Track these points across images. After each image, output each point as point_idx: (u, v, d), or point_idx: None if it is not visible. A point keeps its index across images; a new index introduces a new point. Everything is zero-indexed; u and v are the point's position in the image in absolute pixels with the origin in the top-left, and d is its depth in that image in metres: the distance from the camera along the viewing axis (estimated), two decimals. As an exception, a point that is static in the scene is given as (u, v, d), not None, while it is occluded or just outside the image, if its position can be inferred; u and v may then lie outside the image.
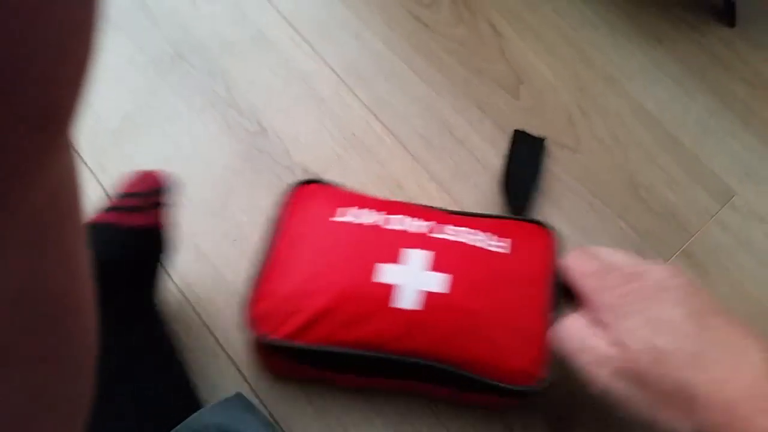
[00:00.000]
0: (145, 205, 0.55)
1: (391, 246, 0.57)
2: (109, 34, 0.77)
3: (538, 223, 0.63)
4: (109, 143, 0.71)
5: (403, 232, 0.58)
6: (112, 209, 0.55)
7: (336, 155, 0.74)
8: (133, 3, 0.80)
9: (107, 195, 0.68)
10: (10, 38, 0.16)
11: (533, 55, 0.83)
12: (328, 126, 0.75)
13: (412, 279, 0.55)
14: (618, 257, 0.54)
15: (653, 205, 0.75)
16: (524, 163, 0.74)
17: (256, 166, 0.72)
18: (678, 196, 0.76)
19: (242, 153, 0.73)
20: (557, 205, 0.73)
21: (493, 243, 0.59)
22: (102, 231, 0.53)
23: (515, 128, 0.75)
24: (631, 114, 0.80)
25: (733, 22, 0.87)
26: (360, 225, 0.58)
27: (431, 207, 0.63)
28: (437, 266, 0.56)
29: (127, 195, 0.55)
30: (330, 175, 0.72)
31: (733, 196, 0.76)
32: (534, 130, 0.76)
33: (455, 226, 0.60)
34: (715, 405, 0.43)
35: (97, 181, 0.69)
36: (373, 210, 0.60)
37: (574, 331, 0.51)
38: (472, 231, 0.59)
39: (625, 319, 0.48)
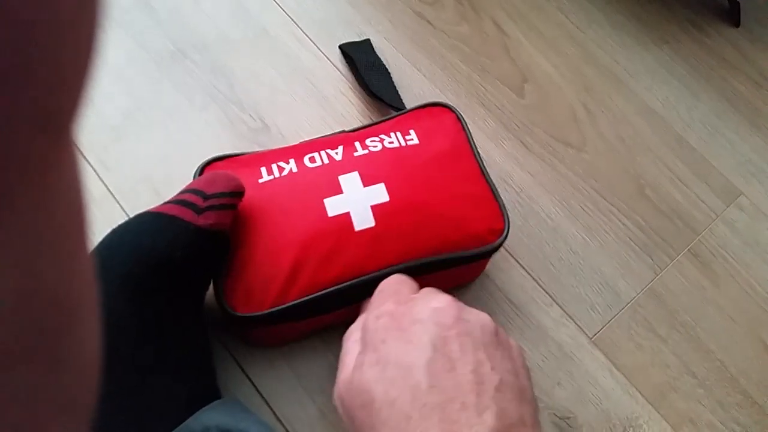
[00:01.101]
0: (217, 206, 0.54)
1: (326, 180, 0.58)
2: (111, 31, 0.76)
3: (429, 105, 0.67)
4: (111, 140, 0.70)
5: (328, 165, 0.60)
6: (183, 204, 0.54)
7: (339, 153, 0.73)
8: (135, 0, 0.79)
9: (109, 191, 0.67)
10: (12, 36, 0.16)
11: (538, 53, 0.82)
12: (330, 123, 0.75)
13: (356, 200, 0.57)
14: (428, 290, 0.47)
15: (659, 204, 0.74)
16: (370, 67, 0.77)
17: (259, 163, 0.71)
18: (684, 195, 0.75)
19: (244, 149, 0.72)
20: (563, 204, 0.72)
21: (402, 139, 0.62)
22: (169, 224, 0.53)
23: (339, 45, 0.80)
24: (637, 114, 0.80)
25: (738, 22, 0.87)
26: (288, 175, 0.59)
27: (333, 133, 0.65)
28: (368, 180, 0.58)
29: (198, 192, 0.55)
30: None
31: (739, 196, 0.76)
32: (539, 128, 0.76)
33: (363, 139, 0.62)
34: None
35: (99, 177, 0.68)
36: (289, 159, 0.60)
37: (350, 342, 0.46)
38: (379, 137, 0.62)
39: (366, 352, 0.42)
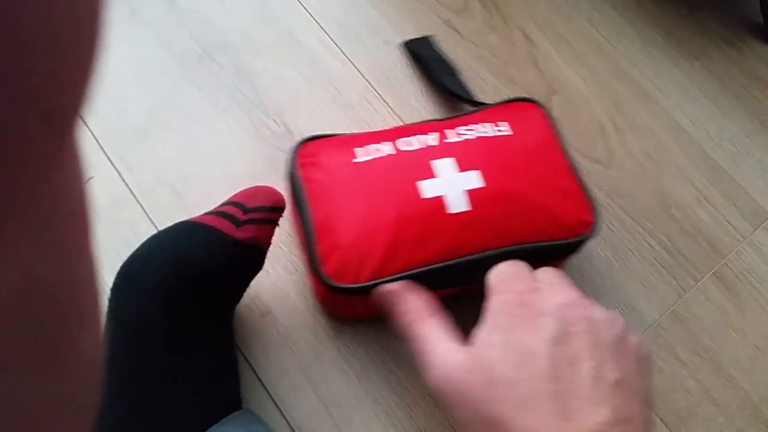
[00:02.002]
0: (256, 219, 0.55)
1: (420, 164, 0.59)
2: (135, 31, 0.76)
3: (515, 100, 0.68)
4: (133, 140, 0.70)
5: (422, 149, 0.61)
6: (222, 215, 0.55)
7: (362, 161, 0.72)
8: (161, 0, 0.79)
9: (130, 191, 0.67)
10: (12, 36, 0.16)
11: (567, 66, 0.81)
12: (354, 131, 0.74)
13: (451, 185, 0.58)
14: (545, 271, 0.47)
15: (685, 224, 0.73)
16: (436, 63, 0.77)
17: (280, 168, 0.71)
18: (711, 216, 0.74)
19: (266, 154, 0.71)
20: (587, 221, 0.71)
21: (495, 129, 0.63)
22: (208, 235, 0.53)
23: (404, 42, 0.80)
24: (665, 131, 0.78)
25: (771, 40, 0.85)
26: (384, 157, 0.60)
27: (428, 121, 0.66)
28: (464, 166, 0.59)
29: (239, 205, 0.55)
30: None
31: (767, 219, 0.74)
32: (566, 142, 0.75)
33: (455, 127, 0.63)
34: None
35: (121, 177, 0.68)
36: (385, 141, 0.61)
37: (424, 324, 0.47)
38: (473, 126, 0.63)
39: (492, 333, 0.43)
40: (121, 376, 0.50)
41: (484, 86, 0.78)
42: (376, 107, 0.76)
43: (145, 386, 0.50)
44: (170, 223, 0.66)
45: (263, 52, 0.77)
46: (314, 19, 0.80)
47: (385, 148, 0.61)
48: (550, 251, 0.60)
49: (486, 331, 0.43)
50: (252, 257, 0.56)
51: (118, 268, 0.63)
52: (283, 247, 0.66)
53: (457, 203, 0.57)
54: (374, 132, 0.64)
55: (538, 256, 0.59)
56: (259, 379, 0.61)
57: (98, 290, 0.30)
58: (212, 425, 0.50)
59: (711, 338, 0.67)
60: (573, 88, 0.80)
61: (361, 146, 0.61)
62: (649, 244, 0.71)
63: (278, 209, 0.56)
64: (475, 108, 0.69)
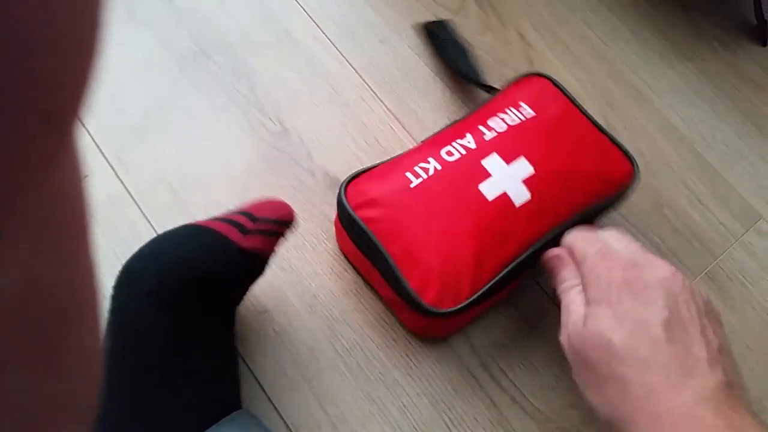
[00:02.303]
0: (264, 230, 0.55)
1: (472, 168, 0.61)
2: (133, 30, 0.76)
3: (522, 77, 0.70)
4: (130, 139, 0.70)
5: (467, 154, 0.62)
6: (230, 223, 0.55)
7: (358, 160, 0.73)
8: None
9: (127, 191, 0.67)
10: (12, 36, 0.16)
11: (562, 66, 0.81)
12: (350, 130, 0.74)
13: (507, 179, 0.61)
14: (620, 244, 0.52)
15: (677, 224, 0.74)
16: (453, 47, 0.79)
17: (277, 167, 0.71)
18: (703, 216, 0.75)
19: (263, 154, 0.72)
20: (581, 222, 0.72)
21: (520, 114, 0.65)
22: (213, 240, 0.54)
23: (423, 24, 0.80)
24: (659, 131, 0.79)
25: (765, 42, 0.86)
26: (435, 173, 0.61)
27: (449, 125, 0.67)
28: (509, 158, 0.62)
29: (248, 215, 0.56)
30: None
31: (758, 220, 0.75)
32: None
33: (485, 122, 0.65)
34: (641, 412, 0.43)
35: (117, 176, 0.68)
36: (428, 158, 0.62)
37: (573, 293, 0.51)
38: (500, 116, 0.65)
39: (600, 305, 0.47)
40: (122, 375, 0.50)
41: (480, 86, 0.79)
42: (372, 106, 0.76)
43: (146, 386, 0.50)
44: (168, 223, 0.66)
45: (261, 51, 0.77)
46: (311, 18, 0.80)
47: (432, 165, 0.61)
48: (606, 207, 0.65)
49: (591, 305, 0.48)
50: (255, 266, 0.56)
51: (115, 268, 0.63)
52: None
53: (520, 195, 0.60)
54: (411, 151, 0.64)
55: (597, 215, 0.65)
56: (255, 377, 0.62)
57: (98, 290, 0.30)
58: (211, 426, 0.50)
59: (702, 338, 0.68)
60: (568, 88, 0.80)
61: (409, 170, 0.61)
62: (642, 244, 0.72)
63: (287, 223, 0.57)
64: (487, 92, 0.73)
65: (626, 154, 0.65)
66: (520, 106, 0.66)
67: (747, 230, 0.74)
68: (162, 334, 0.51)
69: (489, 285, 0.58)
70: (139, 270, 0.53)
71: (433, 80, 0.78)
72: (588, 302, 0.49)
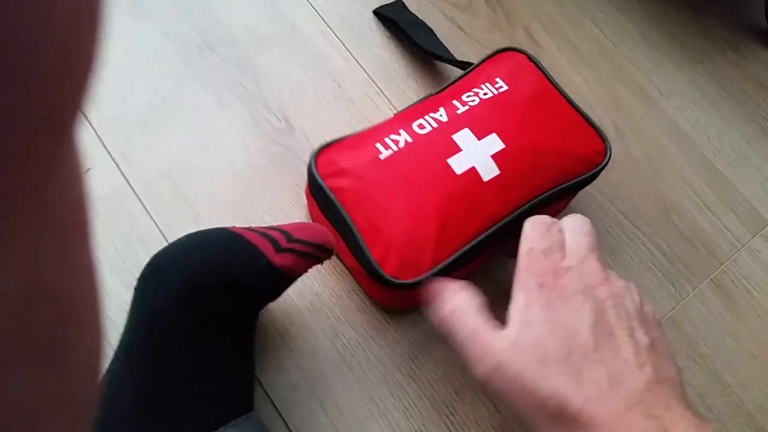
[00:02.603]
0: (297, 251, 0.55)
1: (442, 142, 0.61)
2: (137, 23, 0.75)
3: (498, 52, 0.70)
4: (133, 132, 0.69)
5: (438, 127, 0.62)
6: (266, 237, 0.55)
7: (363, 158, 0.72)
8: (163, -12, 0.78)
9: (130, 185, 0.67)
10: (12, 37, 0.16)
11: (570, 66, 0.81)
12: (355, 127, 0.73)
13: (477, 153, 0.61)
14: (572, 237, 0.50)
15: (684, 230, 0.73)
16: (414, 25, 0.78)
17: (281, 164, 0.70)
18: (709, 222, 0.74)
19: (267, 150, 0.71)
20: (587, 225, 0.71)
21: (494, 88, 0.65)
22: (245, 250, 0.53)
23: (374, 10, 0.80)
24: (667, 134, 0.78)
25: (774, 45, 0.85)
26: (405, 145, 0.61)
27: (428, 96, 0.67)
28: (481, 133, 0.62)
29: (285, 233, 0.55)
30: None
31: (765, 226, 0.75)
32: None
33: (459, 96, 0.65)
34: (580, 424, 0.42)
35: (120, 171, 0.67)
36: (399, 129, 0.62)
37: (467, 318, 0.48)
38: (473, 91, 0.65)
39: (528, 311, 0.46)
40: (139, 370, 0.51)
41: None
42: (378, 104, 0.75)
43: (161, 384, 0.50)
44: (170, 218, 0.66)
45: (266, 46, 0.76)
46: (317, 13, 0.79)
47: (403, 137, 0.61)
48: (577, 186, 0.65)
49: (524, 311, 0.46)
50: (281, 283, 0.56)
51: (115, 262, 0.63)
52: (283, 245, 0.66)
53: (489, 170, 0.60)
54: (383, 123, 0.64)
55: (567, 193, 0.65)
56: (257, 378, 0.61)
57: (99, 289, 0.30)
58: (220, 427, 0.50)
59: (707, 345, 0.68)
60: (575, 89, 0.79)
61: (379, 140, 0.61)
62: (647, 248, 0.72)
63: (322, 248, 0.56)
64: (461, 68, 0.73)
65: (599, 132, 0.65)
66: (495, 81, 0.66)
67: (754, 236, 0.74)
68: (182, 334, 0.51)
69: (451, 259, 0.58)
70: (167, 266, 0.53)
71: (438, 78, 0.77)
72: (517, 304, 0.47)
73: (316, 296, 0.65)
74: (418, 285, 0.56)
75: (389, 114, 0.74)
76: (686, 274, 0.71)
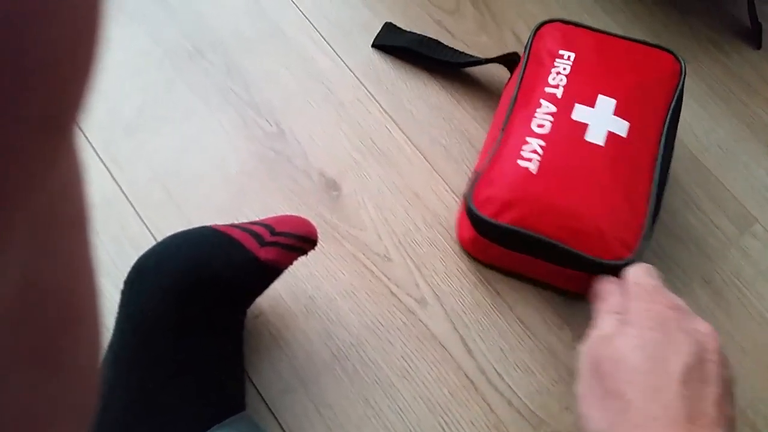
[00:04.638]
0: (282, 244, 0.55)
1: (569, 126, 0.63)
2: (126, 27, 0.75)
3: (536, 30, 0.71)
4: (123, 137, 0.69)
5: (556, 119, 0.64)
6: (249, 232, 0.55)
7: (353, 161, 0.72)
8: (151, -6, 0.78)
9: (120, 189, 0.67)
10: (11, 38, 0.16)
11: (557, 68, 0.81)
12: (346, 131, 0.74)
13: (601, 120, 0.63)
14: (672, 295, 0.53)
15: (673, 228, 0.74)
16: (425, 46, 0.78)
17: (272, 167, 0.71)
18: (698, 220, 0.75)
19: (258, 154, 0.71)
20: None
21: (566, 60, 0.68)
22: (229, 246, 0.54)
23: (372, 45, 0.79)
24: (655, 134, 0.79)
25: (759, 44, 0.86)
26: (545, 149, 0.63)
27: (512, 100, 0.68)
28: (590, 101, 0.65)
29: (268, 227, 0.56)
30: (346, 181, 0.70)
31: (754, 223, 0.75)
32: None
33: (545, 82, 0.67)
34: (633, 423, 0.44)
35: (111, 175, 0.67)
36: (526, 138, 0.64)
37: (609, 316, 0.53)
38: (553, 72, 0.68)
39: (632, 326, 0.49)
40: (128, 369, 0.51)
41: (475, 86, 0.78)
42: (368, 106, 0.76)
43: (151, 382, 0.51)
44: (161, 223, 0.66)
45: (255, 50, 0.77)
46: (306, 17, 0.79)
47: (535, 143, 0.63)
48: (680, 101, 0.68)
49: (623, 324, 0.50)
50: (267, 276, 0.56)
51: (108, 267, 0.63)
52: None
53: (620, 126, 0.63)
54: (501, 145, 0.65)
55: (677, 115, 0.68)
56: (250, 379, 0.61)
57: (97, 291, 0.30)
58: (213, 426, 0.50)
59: (698, 341, 0.68)
60: (564, 90, 0.80)
61: (518, 158, 0.62)
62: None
63: (306, 239, 0.56)
64: (501, 63, 0.75)
65: (664, 48, 0.69)
66: (561, 54, 0.68)
67: (742, 234, 0.74)
68: (169, 331, 0.51)
69: (649, 214, 0.61)
70: (152, 267, 0.53)
71: (429, 80, 0.78)
72: (621, 324, 0.50)
73: (310, 299, 0.65)
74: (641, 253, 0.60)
75: (379, 117, 0.75)
76: (677, 272, 0.71)
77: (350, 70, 0.77)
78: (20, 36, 0.16)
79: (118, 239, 0.65)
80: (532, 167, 0.61)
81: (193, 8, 0.78)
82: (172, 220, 0.66)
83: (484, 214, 0.61)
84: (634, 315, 0.50)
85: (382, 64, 0.78)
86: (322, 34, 0.79)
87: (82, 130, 0.68)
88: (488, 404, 0.63)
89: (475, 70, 0.79)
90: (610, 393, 0.46)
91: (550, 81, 0.66)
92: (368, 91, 0.76)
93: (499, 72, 0.79)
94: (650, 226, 0.61)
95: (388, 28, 0.80)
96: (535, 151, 0.62)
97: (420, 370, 0.63)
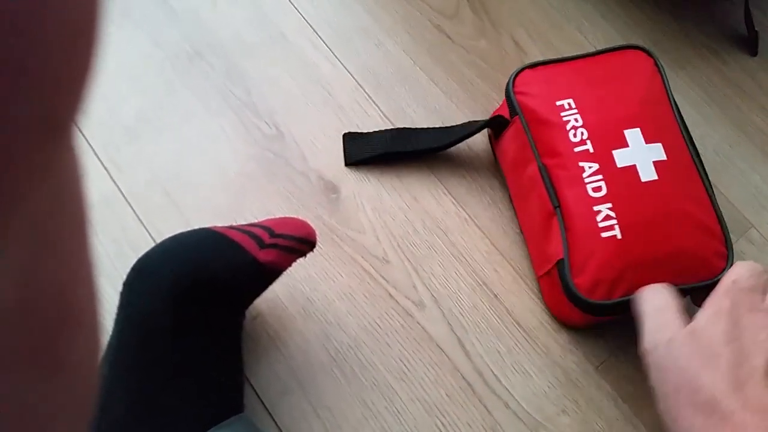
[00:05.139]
0: (281, 246, 0.55)
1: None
2: (127, 30, 0.76)
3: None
4: (123, 140, 0.70)
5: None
6: (248, 234, 0.55)
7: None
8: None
9: (120, 192, 0.67)
10: (11, 39, 0.16)
11: (555, 73, 0.82)
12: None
13: (641, 155, 0.63)
14: None
15: (669, 232, 0.74)
16: (400, 136, 0.73)
17: (272, 170, 0.71)
18: (694, 224, 0.75)
19: (257, 156, 0.71)
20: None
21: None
22: (228, 248, 0.54)
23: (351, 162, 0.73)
24: (651, 139, 0.79)
25: (755, 51, 0.86)
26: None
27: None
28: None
29: (267, 229, 0.56)
30: (345, 184, 0.71)
31: (749, 229, 0.75)
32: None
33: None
34: (727, 421, 0.45)
35: (111, 178, 0.67)
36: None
37: (661, 296, 0.54)
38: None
39: (716, 318, 0.50)
40: (126, 370, 0.51)
41: (474, 92, 0.79)
42: (367, 110, 0.76)
43: (149, 383, 0.51)
44: (161, 225, 0.66)
45: (255, 53, 0.77)
46: (306, 21, 0.80)
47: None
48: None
49: (710, 317, 0.51)
50: (266, 279, 0.56)
51: (107, 269, 0.63)
52: (274, 250, 0.66)
53: (648, 172, 0.63)
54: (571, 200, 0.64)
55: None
56: (248, 381, 0.61)
57: (96, 292, 0.30)
58: (212, 427, 0.51)
59: (694, 345, 0.69)
60: (561, 95, 0.80)
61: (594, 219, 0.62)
62: None
63: (305, 241, 0.57)
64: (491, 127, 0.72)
65: (631, 47, 0.71)
66: (560, 106, 0.66)
67: (738, 239, 0.75)
68: (168, 333, 0.51)
69: (718, 212, 0.64)
70: (150, 268, 0.54)
71: (428, 85, 0.78)
72: (705, 312, 0.51)
73: (308, 301, 0.65)
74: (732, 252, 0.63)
75: (378, 120, 0.75)
76: (672, 276, 0.72)
77: (350, 73, 0.78)
78: (18, 35, 0.16)
79: (118, 241, 0.65)
80: (616, 233, 0.61)
81: (194, 11, 0.78)
82: (171, 222, 0.66)
83: (598, 299, 0.60)
84: (717, 308, 0.51)
85: (381, 68, 0.78)
86: (323, 38, 0.79)
87: (82, 132, 0.69)
88: (485, 406, 0.63)
89: (472, 78, 0.79)
90: (695, 388, 0.48)
91: (573, 139, 0.64)
92: (367, 94, 0.77)
93: (497, 79, 0.79)
94: (725, 222, 0.63)
95: (350, 139, 0.74)
96: (608, 217, 0.61)
97: (417, 372, 0.64)
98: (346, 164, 0.72)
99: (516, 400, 0.63)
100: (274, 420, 0.60)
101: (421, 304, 0.66)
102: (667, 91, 0.68)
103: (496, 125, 0.71)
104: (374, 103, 0.76)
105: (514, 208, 0.71)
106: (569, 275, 0.61)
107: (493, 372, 0.64)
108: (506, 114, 0.70)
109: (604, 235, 0.60)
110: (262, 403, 0.61)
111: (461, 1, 0.84)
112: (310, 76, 0.77)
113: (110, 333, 0.53)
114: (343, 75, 0.77)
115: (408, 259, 0.68)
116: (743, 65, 0.85)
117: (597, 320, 0.64)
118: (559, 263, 0.62)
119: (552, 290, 0.65)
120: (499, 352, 0.65)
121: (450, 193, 0.72)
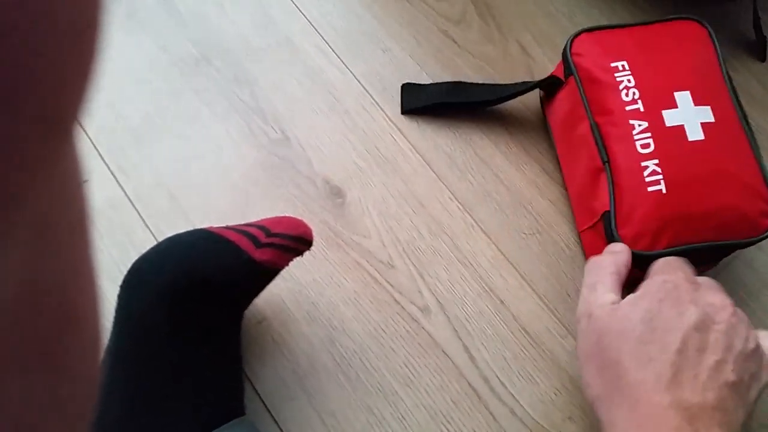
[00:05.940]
0: (278, 245, 0.55)
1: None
2: (133, 34, 0.76)
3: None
4: (129, 143, 0.70)
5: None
6: (244, 234, 0.55)
7: (358, 168, 0.72)
8: (159, 2, 0.78)
9: (126, 195, 0.67)
10: (15, 34, 0.15)
11: (562, 78, 0.81)
12: (351, 138, 0.74)
13: (689, 116, 0.64)
14: (706, 281, 0.55)
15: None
16: (450, 91, 0.77)
17: (277, 174, 0.71)
18: (703, 231, 0.74)
19: (263, 161, 0.71)
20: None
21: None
22: (224, 248, 0.54)
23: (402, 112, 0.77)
24: (659, 145, 0.79)
25: (764, 57, 0.86)
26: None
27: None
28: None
29: (263, 228, 0.56)
30: (351, 189, 0.71)
31: (758, 235, 0.75)
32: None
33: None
34: (626, 395, 0.48)
35: (116, 181, 0.67)
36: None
37: (604, 273, 0.56)
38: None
39: (643, 298, 0.52)
40: (125, 372, 0.51)
41: (480, 97, 0.78)
42: (373, 114, 0.76)
43: (148, 385, 0.51)
44: (166, 228, 0.66)
45: (261, 57, 0.77)
46: (313, 26, 0.80)
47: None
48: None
49: (636, 297, 0.52)
50: (264, 278, 0.56)
51: (112, 272, 0.63)
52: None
53: (696, 132, 0.64)
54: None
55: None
56: (252, 386, 0.61)
57: (98, 292, 0.30)
58: (212, 430, 0.50)
59: (702, 352, 0.68)
60: (569, 100, 0.80)
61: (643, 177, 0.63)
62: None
63: (302, 240, 0.57)
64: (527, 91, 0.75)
65: (685, 18, 0.72)
66: (614, 67, 0.68)
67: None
68: (166, 334, 0.51)
69: (765, 172, 0.64)
70: (147, 269, 0.54)
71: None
72: (635, 293, 0.53)
73: (313, 306, 0.65)
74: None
75: (384, 125, 0.75)
76: (680, 283, 0.71)
77: (356, 78, 0.77)
78: (19, 34, 0.16)
79: (123, 245, 0.65)
80: (662, 188, 0.62)
81: (201, 15, 0.78)
82: (176, 226, 0.66)
83: (641, 249, 0.61)
84: (646, 289, 0.52)
85: (387, 73, 0.78)
86: (329, 43, 0.79)
87: (87, 135, 0.69)
88: (491, 413, 0.62)
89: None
90: (610, 363, 0.50)
91: (625, 98, 0.66)
92: (374, 99, 0.76)
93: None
94: None
95: (408, 89, 0.78)
96: (655, 172, 0.62)
97: (422, 378, 0.63)
98: (403, 112, 0.76)
99: (522, 406, 0.63)
100: (279, 426, 0.60)
101: (426, 309, 0.66)
102: (719, 59, 0.69)
103: (550, 85, 0.74)
104: (380, 107, 0.76)
105: (560, 168, 0.74)
106: (614, 226, 0.62)
107: (499, 378, 0.64)
108: (561, 75, 0.72)
109: (650, 189, 0.62)
110: (267, 408, 0.60)
111: (468, 6, 0.84)
112: (316, 81, 0.77)
113: (108, 335, 0.53)
114: (349, 80, 0.77)
115: (413, 264, 0.68)
116: (752, 71, 0.85)
117: (636, 275, 0.63)
118: (605, 215, 0.64)
119: (595, 243, 0.66)
120: (505, 358, 0.65)
121: (456, 198, 0.72)
